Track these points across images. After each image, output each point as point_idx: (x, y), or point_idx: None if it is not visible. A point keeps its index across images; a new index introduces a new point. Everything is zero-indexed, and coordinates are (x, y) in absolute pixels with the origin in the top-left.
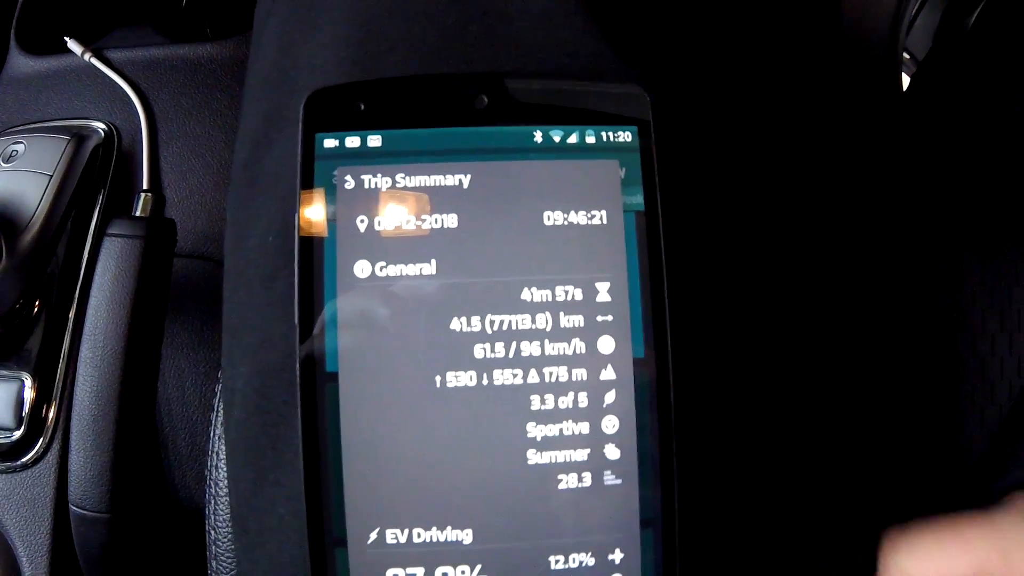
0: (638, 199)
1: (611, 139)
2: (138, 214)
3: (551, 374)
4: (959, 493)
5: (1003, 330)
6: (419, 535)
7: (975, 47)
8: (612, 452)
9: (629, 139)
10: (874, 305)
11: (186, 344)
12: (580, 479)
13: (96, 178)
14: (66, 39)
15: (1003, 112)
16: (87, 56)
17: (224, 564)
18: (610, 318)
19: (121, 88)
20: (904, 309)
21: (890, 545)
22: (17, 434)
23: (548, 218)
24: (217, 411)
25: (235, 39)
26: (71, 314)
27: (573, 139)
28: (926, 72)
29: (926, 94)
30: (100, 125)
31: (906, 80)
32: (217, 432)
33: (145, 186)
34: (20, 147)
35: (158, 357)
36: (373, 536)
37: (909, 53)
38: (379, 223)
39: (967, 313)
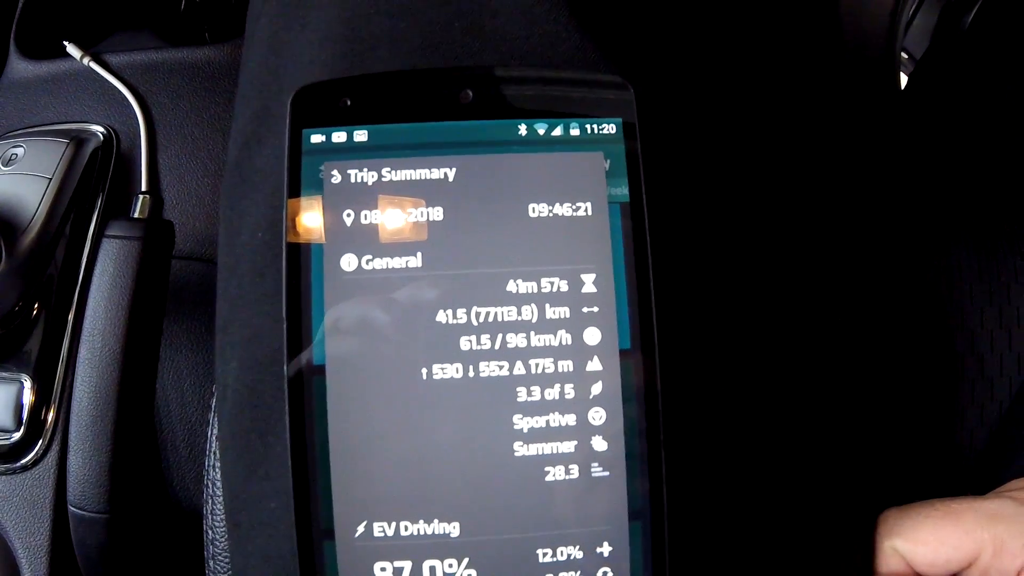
0: (623, 190)
1: (595, 131)
2: (136, 216)
3: (537, 366)
4: (960, 489)
5: (1002, 327)
6: (406, 528)
7: (972, 46)
8: (599, 444)
9: (613, 131)
10: (869, 301)
11: (184, 345)
12: (567, 471)
13: (95, 181)
14: (65, 43)
15: (1000, 110)
16: (86, 60)
17: (222, 564)
18: (596, 309)
19: (120, 92)
20: (901, 306)
21: (887, 529)
22: (16, 436)
23: (533, 210)
24: (214, 411)
25: (232, 42)
26: (70, 316)
27: (558, 132)
28: (923, 71)
29: (923, 93)
30: (99, 128)
31: (903, 79)
32: (214, 433)
33: (143, 188)
34: (20, 150)
35: (156, 358)
36: (361, 529)
37: (907, 52)
38: (365, 217)
39: (965, 310)
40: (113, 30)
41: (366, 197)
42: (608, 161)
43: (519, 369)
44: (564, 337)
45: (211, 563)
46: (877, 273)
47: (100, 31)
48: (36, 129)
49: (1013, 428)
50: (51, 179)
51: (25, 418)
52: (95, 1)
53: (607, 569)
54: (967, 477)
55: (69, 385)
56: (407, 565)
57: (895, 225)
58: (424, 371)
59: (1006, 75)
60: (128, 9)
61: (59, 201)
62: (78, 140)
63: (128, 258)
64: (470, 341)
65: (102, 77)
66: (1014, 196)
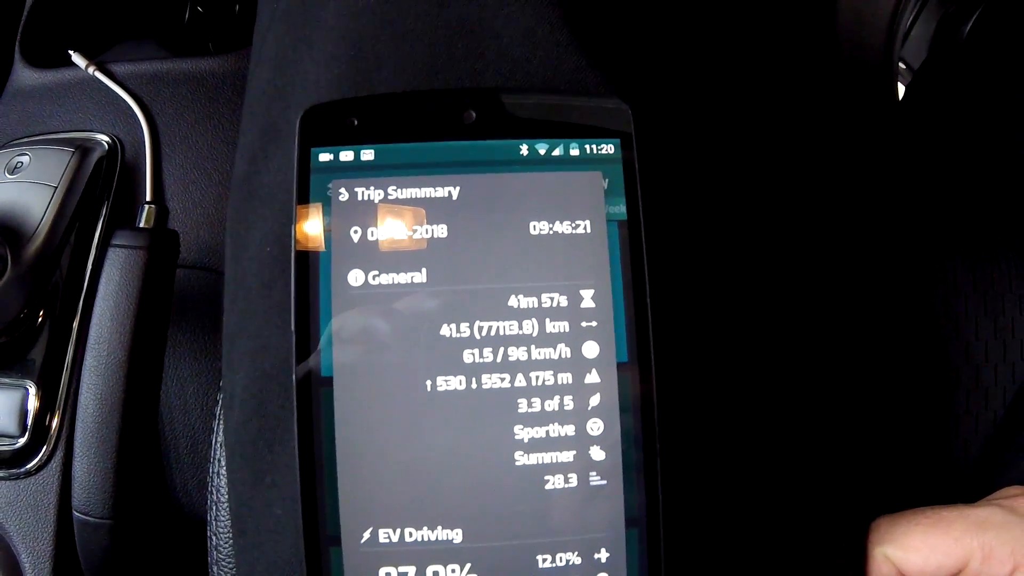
0: (621, 209)
1: (594, 151)
2: (141, 225)
3: (537, 378)
4: (955, 498)
5: (996, 337)
6: (411, 534)
7: (970, 57)
8: (597, 453)
9: (611, 151)
10: (865, 312)
11: (188, 353)
12: (566, 480)
13: (100, 190)
14: (70, 52)
15: (996, 121)
16: (91, 69)
17: (225, 570)
18: (594, 324)
19: (124, 101)
20: (897, 316)
21: (878, 536)
22: (21, 441)
23: (534, 228)
24: (219, 419)
25: (236, 53)
26: (75, 324)
27: (558, 152)
28: (921, 82)
29: (921, 103)
30: (104, 137)
31: (901, 90)
32: (218, 440)
33: (148, 198)
34: (25, 159)
35: (161, 366)
36: (366, 535)
37: (905, 63)
38: (372, 234)
39: (960, 321)
40: (117, 40)
41: (373, 214)
42: (606, 180)
43: (520, 381)
44: (563, 351)
45: (215, 569)
46: (873, 284)
47: (105, 41)
48: (41, 137)
49: (1006, 437)
50: (56, 187)
51: (29, 424)
52: (100, 11)
53: (604, 574)
54: (962, 486)
55: (73, 392)
56: (411, 570)
57: (891, 236)
58: (428, 383)
59: (1004, 86)
60: (132, 19)
61: (64, 209)
62: (83, 149)
63: (134, 267)
64: (473, 354)
65: (107, 86)
66: (1010, 207)
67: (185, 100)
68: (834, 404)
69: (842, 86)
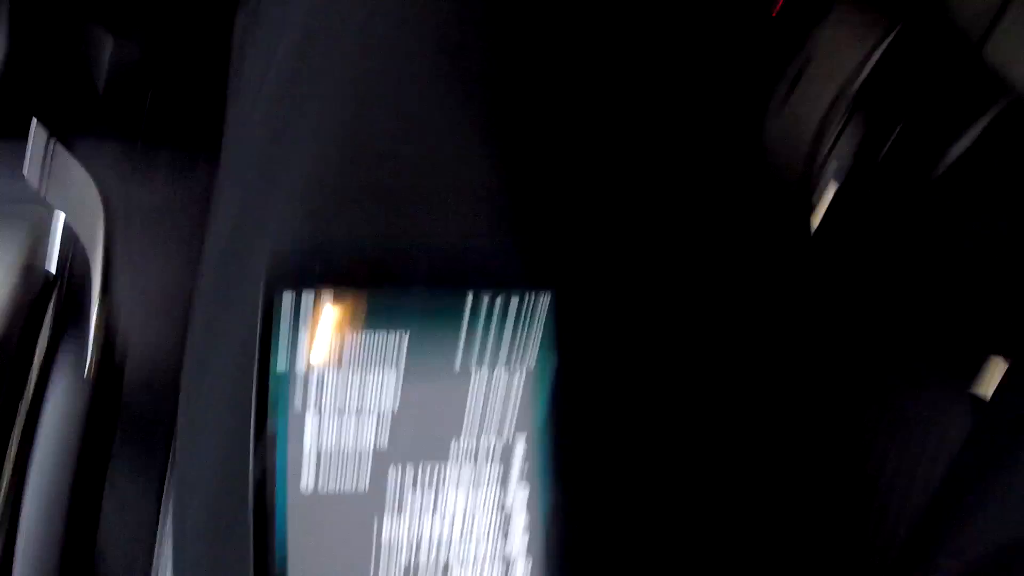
0: (552, 360)
1: (529, 304)
2: (88, 356)
3: (471, 520)
4: None
5: (903, 462)
6: None
7: (885, 178)
8: None
9: (546, 304)
10: (779, 436)
11: (131, 471)
12: None
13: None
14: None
15: (911, 243)
16: (52, 143)
17: None
18: (526, 467)
19: (83, 181)
20: (808, 445)
21: None
22: None
23: (474, 377)
24: (159, 542)
25: (193, 178)
26: (12, 452)
27: (498, 303)
28: (838, 204)
29: (837, 226)
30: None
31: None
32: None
33: (98, 297)
34: None
35: (102, 492)
36: None
37: (826, 185)
38: (330, 381)
39: (869, 448)
40: (80, 119)
41: (331, 364)
42: (540, 332)
43: (456, 524)
44: (496, 493)
45: None
46: (786, 411)
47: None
48: None
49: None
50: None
51: None
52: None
53: None
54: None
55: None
56: None
57: (805, 360)
58: (375, 526)
59: (918, 206)
60: (93, 104)
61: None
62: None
63: (76, 408)
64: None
65: (67, 174)
66: (927, 330)
67: (144, 223)
68: (758, 529)
69: (764, 215)
